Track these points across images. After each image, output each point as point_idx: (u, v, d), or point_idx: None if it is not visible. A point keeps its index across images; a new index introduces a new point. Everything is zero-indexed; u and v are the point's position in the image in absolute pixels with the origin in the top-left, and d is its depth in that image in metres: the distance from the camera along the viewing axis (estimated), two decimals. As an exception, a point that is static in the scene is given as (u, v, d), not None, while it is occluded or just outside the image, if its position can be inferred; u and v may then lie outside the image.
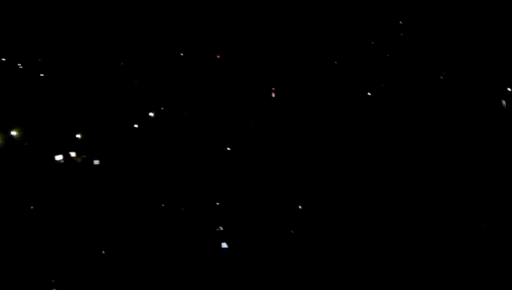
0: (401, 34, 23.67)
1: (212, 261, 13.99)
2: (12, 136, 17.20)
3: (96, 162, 17.37)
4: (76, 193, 16.47)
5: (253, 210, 15.91)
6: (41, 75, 18.43)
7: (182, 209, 15.51)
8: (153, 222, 15.10)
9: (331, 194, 16.63)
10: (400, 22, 24.13)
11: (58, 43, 18.87)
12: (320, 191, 16.73)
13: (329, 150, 18.04)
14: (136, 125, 17.93)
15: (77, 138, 17.66)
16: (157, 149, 17.60)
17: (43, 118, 17.65)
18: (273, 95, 19.78)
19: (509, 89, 21.12)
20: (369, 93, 20.89)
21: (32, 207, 15.51)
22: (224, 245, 14.53)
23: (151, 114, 18.16)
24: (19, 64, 18.09)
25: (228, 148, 17.51)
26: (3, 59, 17.84)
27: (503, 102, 19.15)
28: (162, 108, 18.71)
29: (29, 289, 13.30)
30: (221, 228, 15.05)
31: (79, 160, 17.60)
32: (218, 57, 20.41)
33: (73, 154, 17.55)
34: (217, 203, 15.76)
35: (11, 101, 17.70)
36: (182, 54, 20.05)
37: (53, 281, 13.25)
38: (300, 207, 16.13)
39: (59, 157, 17.46)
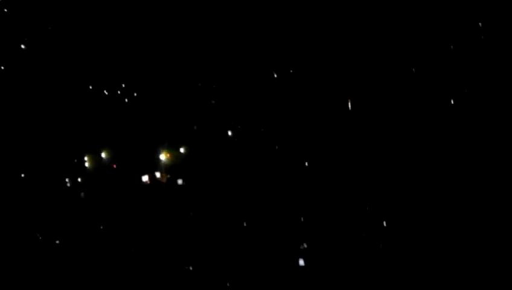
0: (401, 35, 24.90)
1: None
2: (102, 157, 16.69)
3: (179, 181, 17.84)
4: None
5: (253, 210, 18.15)
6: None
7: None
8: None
9: (332, 194, 19.32)
10: (400, 23, 25.19)
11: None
12: (321, 192, 19.35)
13: (329, 150, 20.19)
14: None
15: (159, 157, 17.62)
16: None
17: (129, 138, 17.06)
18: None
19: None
20: (369, 94, 22.71)
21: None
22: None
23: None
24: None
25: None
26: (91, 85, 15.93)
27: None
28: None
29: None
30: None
31: (164, 180, 17.83)
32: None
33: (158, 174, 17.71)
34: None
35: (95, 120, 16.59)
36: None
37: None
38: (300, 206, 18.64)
39: (145, 178, 17.54)
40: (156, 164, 16.37)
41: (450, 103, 23.13)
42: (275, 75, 21.12)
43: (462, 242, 16.11)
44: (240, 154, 19.42)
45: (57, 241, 12.77)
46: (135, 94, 17.91)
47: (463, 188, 18.22)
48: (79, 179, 14.88)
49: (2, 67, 15.42)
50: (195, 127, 19.21)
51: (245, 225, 16.09)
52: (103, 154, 16.37)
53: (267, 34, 20.37)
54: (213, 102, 19.20)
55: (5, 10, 16.01)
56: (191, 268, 13.42)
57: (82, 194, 14.18)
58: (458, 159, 20.27)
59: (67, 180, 14.36)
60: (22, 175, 13.96)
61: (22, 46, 16.08)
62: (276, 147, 20.04)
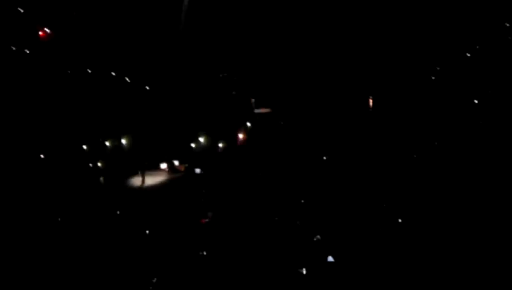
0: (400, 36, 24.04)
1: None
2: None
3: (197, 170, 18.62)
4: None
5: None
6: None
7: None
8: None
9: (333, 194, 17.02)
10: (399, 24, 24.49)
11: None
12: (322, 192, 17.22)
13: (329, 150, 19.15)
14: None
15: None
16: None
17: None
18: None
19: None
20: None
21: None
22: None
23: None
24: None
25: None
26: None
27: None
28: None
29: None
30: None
31: (182, 168, 18.93)
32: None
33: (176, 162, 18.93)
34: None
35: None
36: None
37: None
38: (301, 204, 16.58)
39: (164, 166, 18.84)
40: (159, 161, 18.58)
41: (451, 103, 22.56)
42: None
43: (462, 242, 15.34)
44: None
45: (58, 241, 15.29)
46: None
47: (462, 188, 17.39)
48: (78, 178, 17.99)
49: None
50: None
51: (248, 222, 17.10)
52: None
53: (269, 35, 22.89)
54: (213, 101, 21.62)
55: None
56: (191, 267, 14.76)
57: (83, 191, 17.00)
58: (458, 159, 19.39)
59: (66, 180, 17.61)
60: (25, 172, 17.18)
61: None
62: (276, 147, 20.97)
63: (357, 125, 19.94)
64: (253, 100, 21.52)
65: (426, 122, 19.40)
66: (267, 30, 23.48)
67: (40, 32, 20.17)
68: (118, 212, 16.46)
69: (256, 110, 21.55)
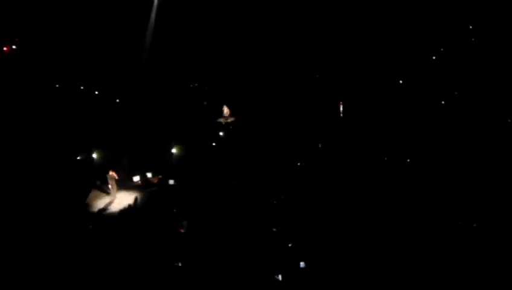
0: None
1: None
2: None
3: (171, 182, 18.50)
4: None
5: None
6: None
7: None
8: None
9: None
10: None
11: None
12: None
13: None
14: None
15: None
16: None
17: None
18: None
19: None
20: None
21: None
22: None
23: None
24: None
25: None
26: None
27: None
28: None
29: None
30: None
31: (155, 180, 18.80)
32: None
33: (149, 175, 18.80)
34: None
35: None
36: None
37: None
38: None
39: (136, 179, 18.69)
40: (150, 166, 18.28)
41: (449, 103, 22.35)
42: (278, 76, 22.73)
43: (463, 243, 15.22)
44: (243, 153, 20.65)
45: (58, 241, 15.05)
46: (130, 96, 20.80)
47: (462, 188, 17.28)
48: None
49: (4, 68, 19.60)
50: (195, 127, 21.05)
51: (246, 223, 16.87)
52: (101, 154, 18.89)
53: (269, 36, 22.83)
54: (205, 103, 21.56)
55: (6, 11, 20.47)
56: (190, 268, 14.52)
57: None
58: (457, 160, 19.24)
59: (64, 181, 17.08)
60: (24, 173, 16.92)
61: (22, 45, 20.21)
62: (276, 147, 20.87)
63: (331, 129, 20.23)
64: (225, 110, 21.64)
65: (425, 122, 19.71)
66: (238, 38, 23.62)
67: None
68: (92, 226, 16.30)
69: (221, 119, 21.77)
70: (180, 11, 23.92)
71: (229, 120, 21.93)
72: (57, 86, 21.69)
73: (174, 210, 16.77)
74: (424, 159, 18.36)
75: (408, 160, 18.40)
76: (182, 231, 15.65)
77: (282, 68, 23.13)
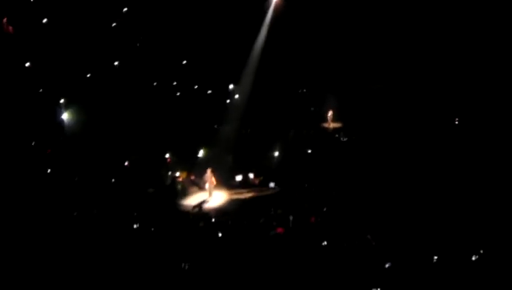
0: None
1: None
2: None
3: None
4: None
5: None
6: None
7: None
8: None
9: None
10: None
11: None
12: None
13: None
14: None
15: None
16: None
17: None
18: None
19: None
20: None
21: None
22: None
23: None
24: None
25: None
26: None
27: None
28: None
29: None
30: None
31: (256, 181, 19.10)
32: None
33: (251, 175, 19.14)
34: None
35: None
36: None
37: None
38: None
39: (239, 178, 19.08)
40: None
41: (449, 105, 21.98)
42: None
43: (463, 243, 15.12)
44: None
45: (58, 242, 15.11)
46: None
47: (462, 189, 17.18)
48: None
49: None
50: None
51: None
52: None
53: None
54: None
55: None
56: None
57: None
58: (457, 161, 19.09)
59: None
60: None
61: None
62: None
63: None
64: (329, 115, 21.50)
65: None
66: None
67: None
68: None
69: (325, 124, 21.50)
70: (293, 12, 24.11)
71: (333, 126, 21.88)
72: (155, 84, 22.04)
73: (278, 211, 16.70)
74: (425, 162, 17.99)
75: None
76: (281, 231, 15.51)
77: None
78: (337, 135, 21.11)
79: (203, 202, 17.68)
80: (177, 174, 18.70)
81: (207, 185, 18.08)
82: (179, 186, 18.07)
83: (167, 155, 19.28)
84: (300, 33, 23.99)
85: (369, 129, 20.57)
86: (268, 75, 23.13)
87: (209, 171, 18.06)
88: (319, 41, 24.01)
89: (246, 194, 18.26)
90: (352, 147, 20.04)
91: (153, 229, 13.60)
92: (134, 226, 13.91)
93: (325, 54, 23.95)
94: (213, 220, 15.32)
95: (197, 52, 22.89)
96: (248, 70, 22.95)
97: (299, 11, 24.14)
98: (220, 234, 14.08)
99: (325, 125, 22.14)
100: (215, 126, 21.51)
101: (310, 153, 19.85)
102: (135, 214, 14.42)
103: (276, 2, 24.20)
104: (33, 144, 17.75)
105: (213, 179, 17.99)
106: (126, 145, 18.77)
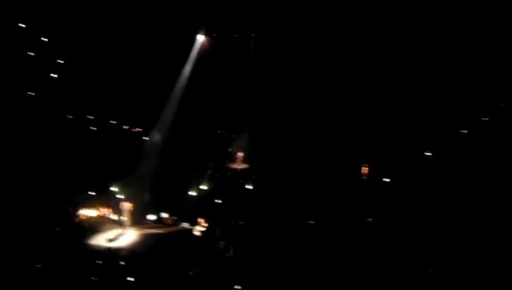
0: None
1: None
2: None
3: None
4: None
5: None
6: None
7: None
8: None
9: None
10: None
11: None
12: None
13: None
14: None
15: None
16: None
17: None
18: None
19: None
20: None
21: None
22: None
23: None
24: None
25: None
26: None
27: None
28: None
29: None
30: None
31: (169, 221, 18.87)
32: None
33: None
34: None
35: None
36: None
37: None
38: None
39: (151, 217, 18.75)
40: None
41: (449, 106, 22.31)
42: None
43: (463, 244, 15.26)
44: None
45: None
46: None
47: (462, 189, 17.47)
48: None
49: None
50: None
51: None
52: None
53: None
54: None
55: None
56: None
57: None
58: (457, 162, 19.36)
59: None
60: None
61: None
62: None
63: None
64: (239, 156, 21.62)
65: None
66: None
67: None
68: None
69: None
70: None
71: (241, 167, 21.90)
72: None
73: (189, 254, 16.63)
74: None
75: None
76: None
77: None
78: (241, 181, 21.06)
79: (119, 234, 17.68)
80: (86, 211, 18.36)
81: (123, 218, 18.05)
82: (86, 225, 17.75)
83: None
84: (225, 72, 24.09)
85: (275, 175, 20.77)
86: (189, 114, 23.07)
87: (126, 204, 18.10)
88: (241, 82, 24.12)
89: (159, 231, 18.19)
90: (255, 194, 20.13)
91: (54, 270, 13.23)
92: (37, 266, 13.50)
93: (247, 94, 24.08)
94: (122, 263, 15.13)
95: (118, 87, 22.60)
96: (169, 109, 22.82)
97: (224, 51, 24.29)
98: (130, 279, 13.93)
99: (234, 166, 22.12)
100: (132, 163, 21.16)
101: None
102: (37, 254, 14.08)
103: (201, 42, 24.29)
104: None
105: (129, 212, 18.05)
106: (34, 180, 18.38)
